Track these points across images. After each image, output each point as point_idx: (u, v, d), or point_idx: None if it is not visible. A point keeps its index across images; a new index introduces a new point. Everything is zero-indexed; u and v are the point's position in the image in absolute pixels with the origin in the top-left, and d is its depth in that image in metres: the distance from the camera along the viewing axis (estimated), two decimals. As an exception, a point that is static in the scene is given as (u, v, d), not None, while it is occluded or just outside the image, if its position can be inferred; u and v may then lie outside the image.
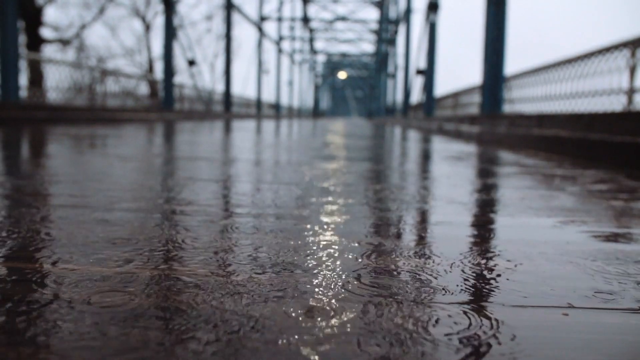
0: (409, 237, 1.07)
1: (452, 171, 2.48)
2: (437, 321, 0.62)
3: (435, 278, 0.79)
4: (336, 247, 0.96)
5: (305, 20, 31.95)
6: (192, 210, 1.28)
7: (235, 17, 21.56)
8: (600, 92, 4.13)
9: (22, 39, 16.15)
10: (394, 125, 15.41)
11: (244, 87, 33.95)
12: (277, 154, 3.36)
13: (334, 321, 0.61)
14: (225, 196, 1.55)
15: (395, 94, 22.07)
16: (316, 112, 49.18)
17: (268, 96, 28.65)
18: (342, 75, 55.08)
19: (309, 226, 1.13)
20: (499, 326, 0.61)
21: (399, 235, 1.08)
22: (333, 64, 53.62)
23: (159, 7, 22.63)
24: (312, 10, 37.48)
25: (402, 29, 18.69)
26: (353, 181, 1.96)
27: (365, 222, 1.19)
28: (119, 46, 34.16)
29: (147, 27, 24.83)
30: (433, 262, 0.88)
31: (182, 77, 22.12)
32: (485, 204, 1.51)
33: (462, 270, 0.83)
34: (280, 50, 28.78)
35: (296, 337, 0.56)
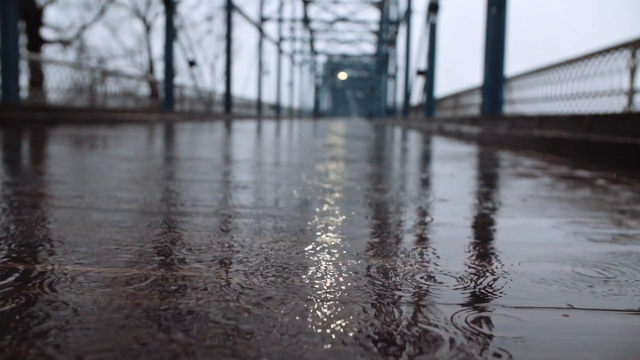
0: (409, 239, 1.07)
1: (452, 172, 2.48)
2: (435, 324, 0.62)
3: (435, 279, 0.79)
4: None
5: (306, 21, 31.96)
6: (194, 211, 1.28)
7: (236, 18, 21.58)
8: (601, 93, 4.13)
9: (23, 39, 16.17)
10: (395, 126, 15.41)
11: (244, 88, 33.96)
12: (278, 155, 3.36)
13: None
14: (226, 198, 1.55)
15: (395, 94, 22.07)
16: (317, 113, 49.19)
17: (268, 97, 28.69)
18: (342, 76, 55.08)
19: (310, 220, 1.14)
20: (499, 327, 0.61)
21: (398, 237, 1.08)
22: (333, 65, 53.62)
23: (160, 8, 22.69)
24: (313, 11, 37.53)
25: (402, 30, 18.69)
26: (354, 179, 1.96)
27: (365, 222, 1.19)
28: (119, 47, 34.19)
29: (148, 28, 24.86)
30: (432, 263, 0.88)
31: (182, 78, 22.16)
32: (485, 205, 1.51)
33: (462, 271, 0.83)
34: (280, 51, 28.79)
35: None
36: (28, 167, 2.31)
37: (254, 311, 0.64)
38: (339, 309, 0.65)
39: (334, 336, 0.57)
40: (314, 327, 0.59)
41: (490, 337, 0.59)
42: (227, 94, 17.28)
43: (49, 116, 7.35)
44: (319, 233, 1.08)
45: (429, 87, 11.51)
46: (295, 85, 37.97)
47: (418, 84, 12.77)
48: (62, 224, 1.10)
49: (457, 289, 0.75)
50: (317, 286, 0.74)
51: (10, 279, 0.73)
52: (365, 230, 1.12)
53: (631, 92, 3.75)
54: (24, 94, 7.75)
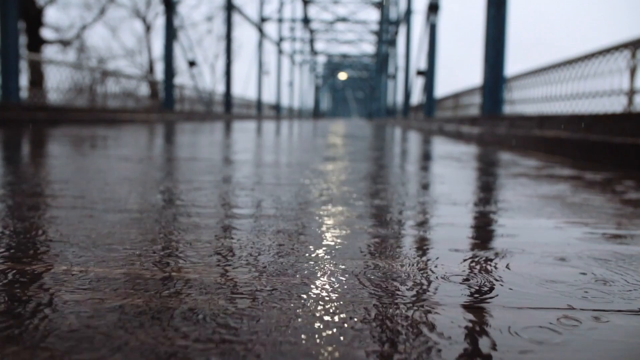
0: (409, 239, 1.07)
1: (452, 172, 2.48)
2: (436, 324, 0.62)
3: (434, 279, 0.79)
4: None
5: (306, 21, 31.97)
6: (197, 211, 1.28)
7: (236, 18, 21.58)
8: (601, 93, 4.13)
9: (23, 39, 16.17)
10: (395, 126, 15.41)
11: (244, 88, 33.99)
12: (279, 155, 3.36)
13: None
14: (226, 198, 1.55)
15: (395, 95, 22.08)
16: (317, 113, 49.22)
17: (269, 97, 28.73)
18: (342, 76, 55.08)
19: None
20: (499, 328, 0.61)
21: (399, 239, 1.08)
22: (333, 65, 53.63)
23: (160, 8, 22.69)
24: (313, 11, 37.52)
25: (402, 30, 18.70)
26: (355, 180, 1.96)
27: (366, 222, 1.19)
28: (119, 47, 34.21)
29: (148, 28, 24.86)
30: (432, 262, 0.88)
31: (182, 78, 22.17)
32: (485, 206, 1.51)
33: (462, 272, 0.83)
34: (280, 51, 28.80)
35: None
36: (29, 167, 2.31)
37: (254, 310, 0.64)
38: (337, 308, 0.65)
39: (335, 333, 0.57)
40: (315, 322, 0.59)
41: (489, 337, 0.59)
42: (227, 94, 17.28)
43: (49, 116, 7.35)
44: (320, 233, 1.08)
45: (429, 87, 11.51)
46: (295, 85, 38.00)
47: (418, 84, 12.78)
48: (62, 224, 1.10)
49: (457, 288, 0.75)
50: (318, 285, 0.74)
51: (9, 279, 0.73)
52: (366, 230, 1.12)
53: (631, 92, 3.76)
54: (24, 94, 7.75)
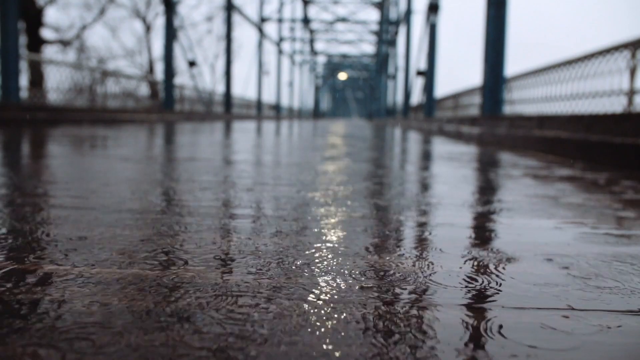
0: (408, 239, 1.07)
1: (452, 173, 2.48)
2: (437, 324, 0.62)
3: (433, 279, 0.79)
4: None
5: (306, 21, 31.95)
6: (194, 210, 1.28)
7: (236, 18, 21.58)
8: (601, 93, 4.13)
9: (23, 39, 16.17)
10: (395, 127, 15.41)
11: (244, 88, 33.95)
12: (279, 156, 3.36)
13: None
14: (226, 199, 1.55)
15: (395, 95, 22.07)
16: (316, 113, 49.22)
17: (268, 97, 28.72)
18: (342, 76, 55.06)
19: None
20: (499, 328, 0.61)
21: (399, 240, 1.08)
22: (333, 65, 53.59)
23: (160, 8, 22.68)
24: (313, 12, 37.56)
25: (402, 30, 18.69)
26: (356, 181, 1.96)
27: (365, 222, 1.19)
28: (119, 47, 34.20)
29: (148, 28, 24.85)
30: (431, 263, 0.88)
31: (182, 78, 22.16)
32: (485, 206, 1.51)
33: (462, 272, 0.83)
34: (280, 51, 28.80)
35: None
36: (29, 167, 2.30)
37: (256, 310, 0.64)
38: (338, 307, 0.65)
39: (336, 332, 0.57)
40: (315, 321, 0.59)
41: (489, 337, 0.59)
42: (227, 94, 17.28)
43: (49, 116, 7.35)
44: (320, 233, 1.08)
45: (429, 87, 11.51)
46: (295, 86, 37.99)
47: (418, 84, 12.77)
48: (62, 224, 1.10)
49: (458, 288, 0.75)
50: (318, 284, 0.74)
51: (8, 279, 0.73)
52: (366, 230, 1.12)
53: (631, 92, 3.75)
54: (24, 94, 7.75)
